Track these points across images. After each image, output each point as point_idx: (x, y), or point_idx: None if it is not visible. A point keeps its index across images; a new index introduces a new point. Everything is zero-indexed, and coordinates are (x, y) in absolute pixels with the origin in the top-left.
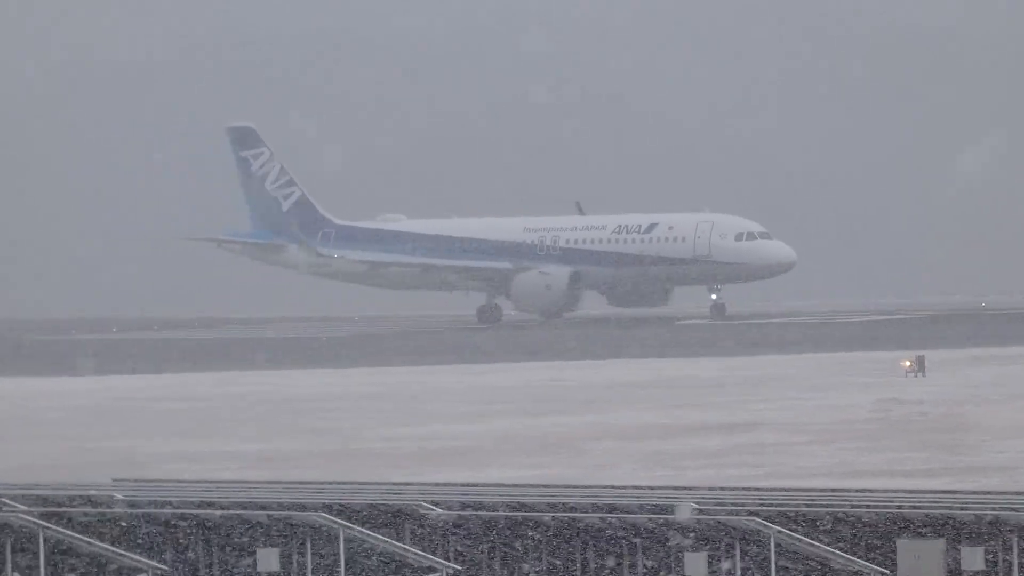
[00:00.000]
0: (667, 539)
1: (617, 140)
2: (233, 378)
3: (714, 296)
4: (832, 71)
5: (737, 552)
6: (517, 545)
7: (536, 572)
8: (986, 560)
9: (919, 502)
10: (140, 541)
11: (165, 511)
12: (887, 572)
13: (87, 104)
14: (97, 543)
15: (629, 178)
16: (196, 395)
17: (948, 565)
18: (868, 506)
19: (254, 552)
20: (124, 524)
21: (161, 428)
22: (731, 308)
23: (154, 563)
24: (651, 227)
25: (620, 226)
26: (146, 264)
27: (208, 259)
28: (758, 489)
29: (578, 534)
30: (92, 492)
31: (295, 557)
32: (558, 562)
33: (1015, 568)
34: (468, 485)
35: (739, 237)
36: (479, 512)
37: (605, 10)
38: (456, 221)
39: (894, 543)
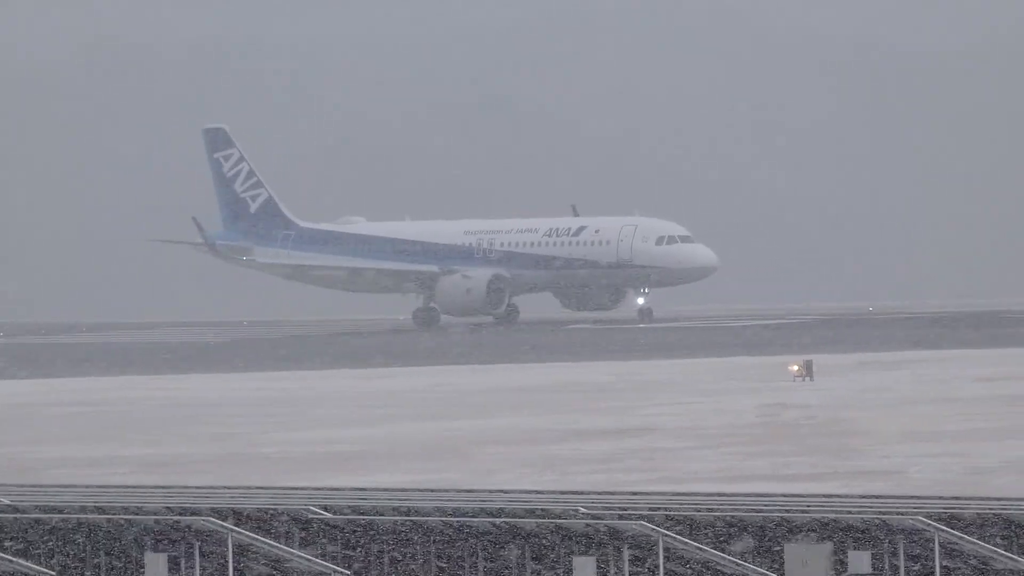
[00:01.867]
0: (555, 544)
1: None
2: (126, 383)
3: (640, 300)
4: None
5: (625, 556)
6: (406, 549)
7: None
8: (873, 564)
9: (806, 506)
10: (26, 547)
11: (52, 516)
12: None
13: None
14: None
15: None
16: (88, 400)
17: (835, 569)
18: (755, 510)
19: (142, 557)
20: (9, 529)
21: (52, 433)
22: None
23: (41, 568)
24: (580, 230)
25: (551, 229)
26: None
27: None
28: (646, 493)
29: (467, 538)
30: None
31: (183, 562)
32: (446, 566)
33: (902, 571)
34: (357, 489)
35: (660, 241)
36: (368, 516)
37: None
38: (407, 224)
39: (781, 547)
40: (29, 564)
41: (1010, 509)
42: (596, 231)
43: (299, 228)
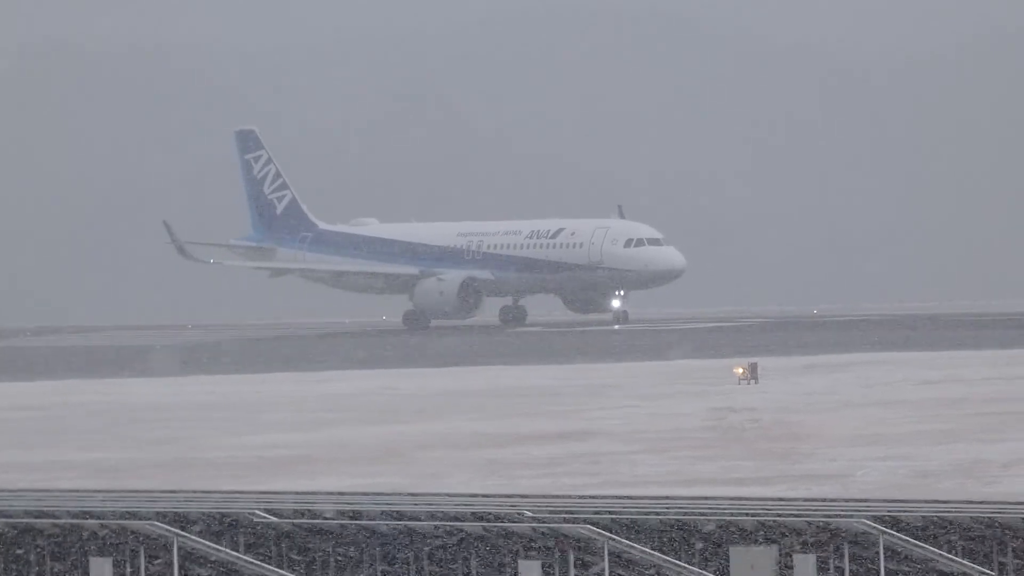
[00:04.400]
0: (500, 548)
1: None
2: (71, 387)
3: (616, 303)
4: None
5: (571, 561)
6: (351, 553)
7: None
8: (818, 567)
9: (752, 509)
10: None
11: None
12: None
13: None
14: None
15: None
16: (30, 404)
17: (781, 572)
18: (701, 513)
19: (87, 562)
20: None
21: None
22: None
23: None
24: (557, 232)
25: (533, 231)
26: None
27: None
28: (591, 497)
29: (412, 542)
30: None
31: (128, 566)
32: (391, 569)
33: (847, 574)
34: (302, 493)
35: (628, 243)
36: (313, 520)
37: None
38: (411, 226)
39: (727, 550)
40: None
41: (954, 512)
42: (572, 233)
43: (317, 230)
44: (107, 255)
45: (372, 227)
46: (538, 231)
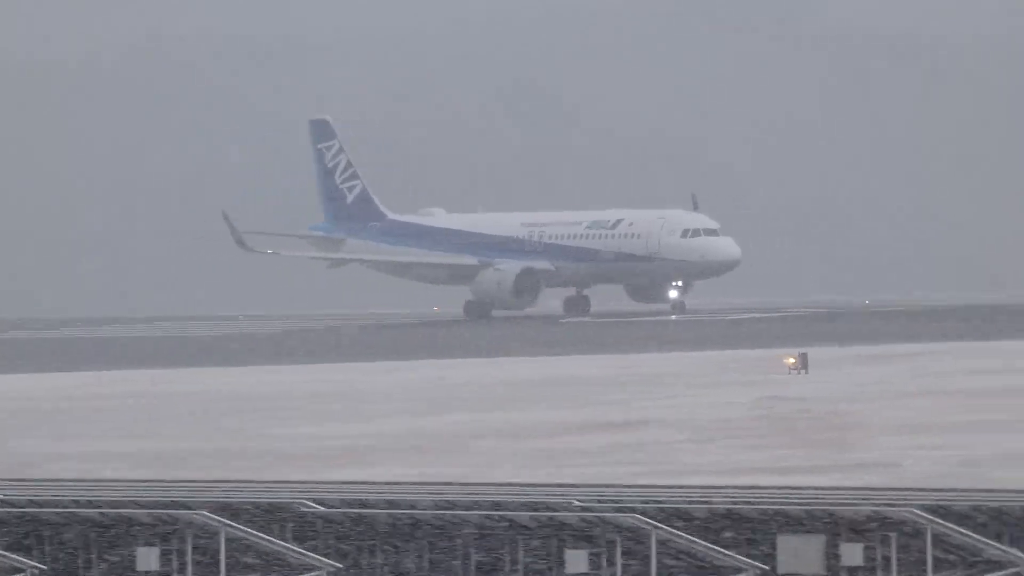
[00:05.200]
0: (548, 537)
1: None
2: (126, 377)
3: (673, 293)
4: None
5: (618, 549)
6: (398, 542)
7: (417, 569)
8: (865, 555)
9: (799, 498)
10: (17, 540)
11: (44, 510)
12: (766, 568)
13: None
14: None
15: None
16: (80, 395)
17: (827, 561)
18: (748, 502)
19: (134, 552)
20: (1, 524)
21: (43, 428)
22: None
23: (32, 562)
24: (616, 223)
25: (594, 222)
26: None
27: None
28: (639, 486)
29: (460, 531)
30: None
31: (175, 556)
32: (439, 558)
33: (894, 563)
34: (349, 483)
35: (684, 234)
36: (360, 510)
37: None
38: (477, 216)
39: (774, 539)
40: (19, 558)
41: (1003, 501)
42: (631, 224)
43: (385, 220)
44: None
45: (438, 217)
46: (598, 221)
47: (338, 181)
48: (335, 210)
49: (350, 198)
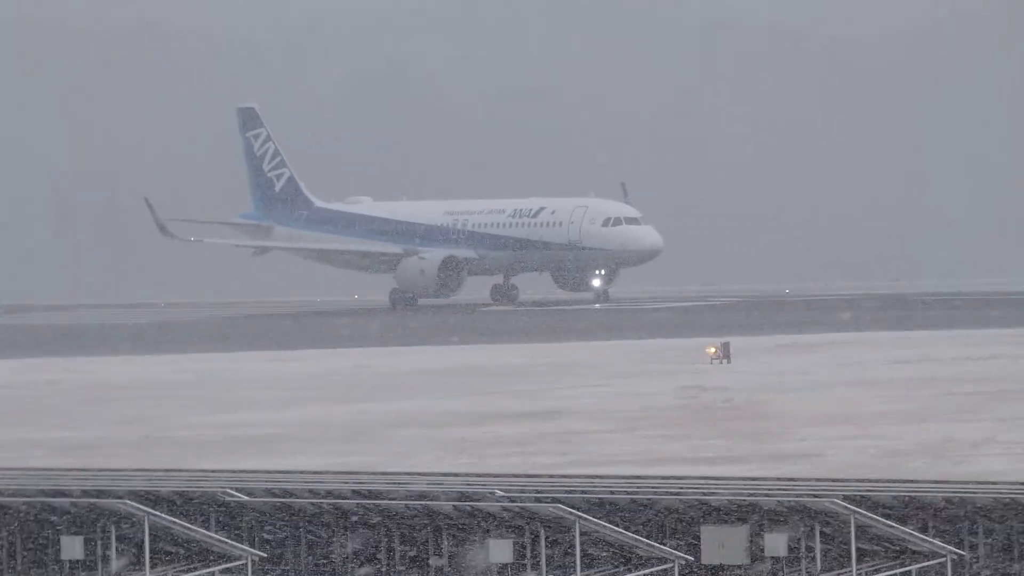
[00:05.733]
0: (472, 526)
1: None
2: (37, 365)
3: (596, 282)
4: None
5: (542, 539)
6: (322, 532)
7: (341, 558)
8: (789, 545)
9: (722, 488)
10: None
11: None
12: (690, 558)
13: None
14: None
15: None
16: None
17: (751, 550)
18: (672, 492)
19: (58, 539)
20: None
21: None
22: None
23: None
24: (538, 211)
25: (516, 210)
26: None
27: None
28: (562, 476)
29: (383, 521)
30: None
31: (100, 544)
32: (363, 548)
33: (817, 553)
34: (273, 472)
35: (606, 222)
36: (284, 499)
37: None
38: (403, 204)
39: (698, 529)
40: None
41: (925, 491)
42: (552, 212)
43: (312, 208)
44: (91, 236)
45: (365, 205)
46: (520, 210)
47: (266, 169)
48: (264, 198)
49: (278, 186)
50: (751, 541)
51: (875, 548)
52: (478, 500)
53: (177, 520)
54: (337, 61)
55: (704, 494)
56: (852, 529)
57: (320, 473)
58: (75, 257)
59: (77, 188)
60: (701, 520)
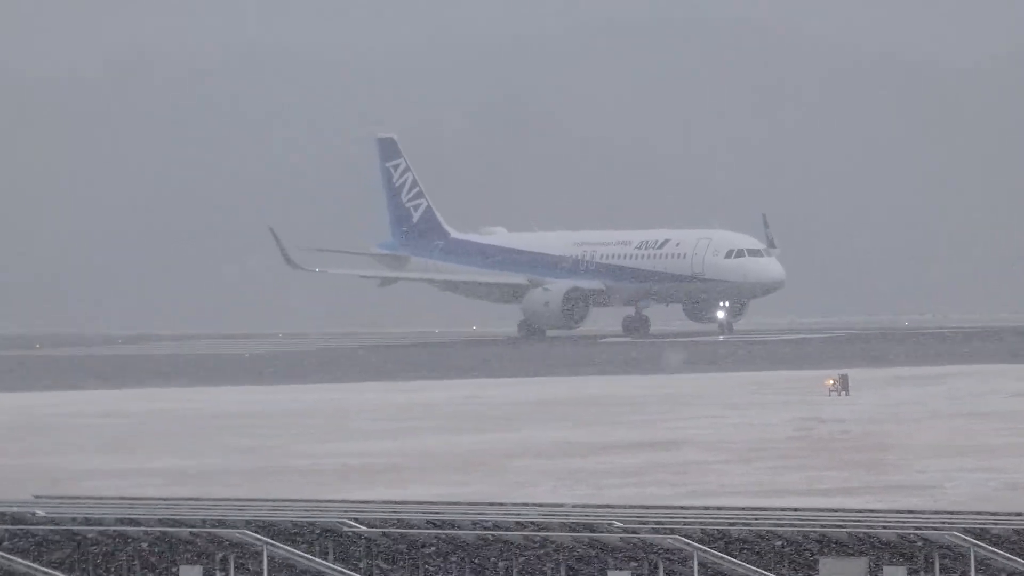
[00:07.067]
0: (589, 558)
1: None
2: (156, 394)
3: (720, 314)
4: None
5: (660, 570)
6: (440, 562)
7: None
8: None
9: (841, 520)
10: (61, 558)
11: (87, 528)
12: None
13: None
14: (17, 560)
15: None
16: (115, 411)
17: None
18: (790, 524)
19: (176, 569)
20: (45, 541)
21: (78, 444)
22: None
23: None
24: (663, 243)
25: (643, 242)
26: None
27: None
28: (680, 507)
29: (501, 552)
30: (13, 509)
31: (218, 575)
32: None
33: None
34: (390, 503)
35: (729, 254)
36: (401, 529)
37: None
38: (536, 235)
39: (816, 561)
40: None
41: None
42: (677, 244)
43: (448, 239)
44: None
45: (499, 236)
46: (647, 241)
47: (404, 199)
48: (402, 228)
49: (416, 216)
50: (870, 574)
51: None
52: (596, 531)
53: (295, 551)
54: (460, 88)
55: (822, 526)
56: (972, 562)
57: (437, 504)
58: (196, 287)
59: (199, 215)
60: (819, 552)
